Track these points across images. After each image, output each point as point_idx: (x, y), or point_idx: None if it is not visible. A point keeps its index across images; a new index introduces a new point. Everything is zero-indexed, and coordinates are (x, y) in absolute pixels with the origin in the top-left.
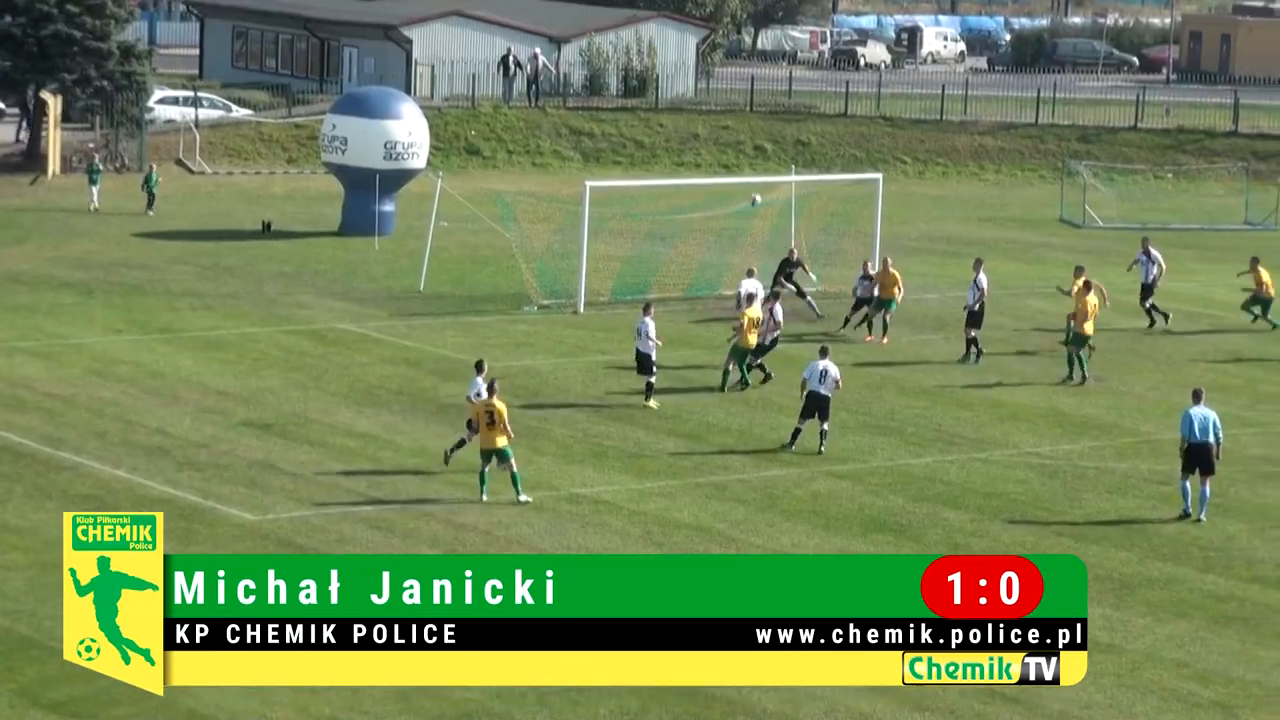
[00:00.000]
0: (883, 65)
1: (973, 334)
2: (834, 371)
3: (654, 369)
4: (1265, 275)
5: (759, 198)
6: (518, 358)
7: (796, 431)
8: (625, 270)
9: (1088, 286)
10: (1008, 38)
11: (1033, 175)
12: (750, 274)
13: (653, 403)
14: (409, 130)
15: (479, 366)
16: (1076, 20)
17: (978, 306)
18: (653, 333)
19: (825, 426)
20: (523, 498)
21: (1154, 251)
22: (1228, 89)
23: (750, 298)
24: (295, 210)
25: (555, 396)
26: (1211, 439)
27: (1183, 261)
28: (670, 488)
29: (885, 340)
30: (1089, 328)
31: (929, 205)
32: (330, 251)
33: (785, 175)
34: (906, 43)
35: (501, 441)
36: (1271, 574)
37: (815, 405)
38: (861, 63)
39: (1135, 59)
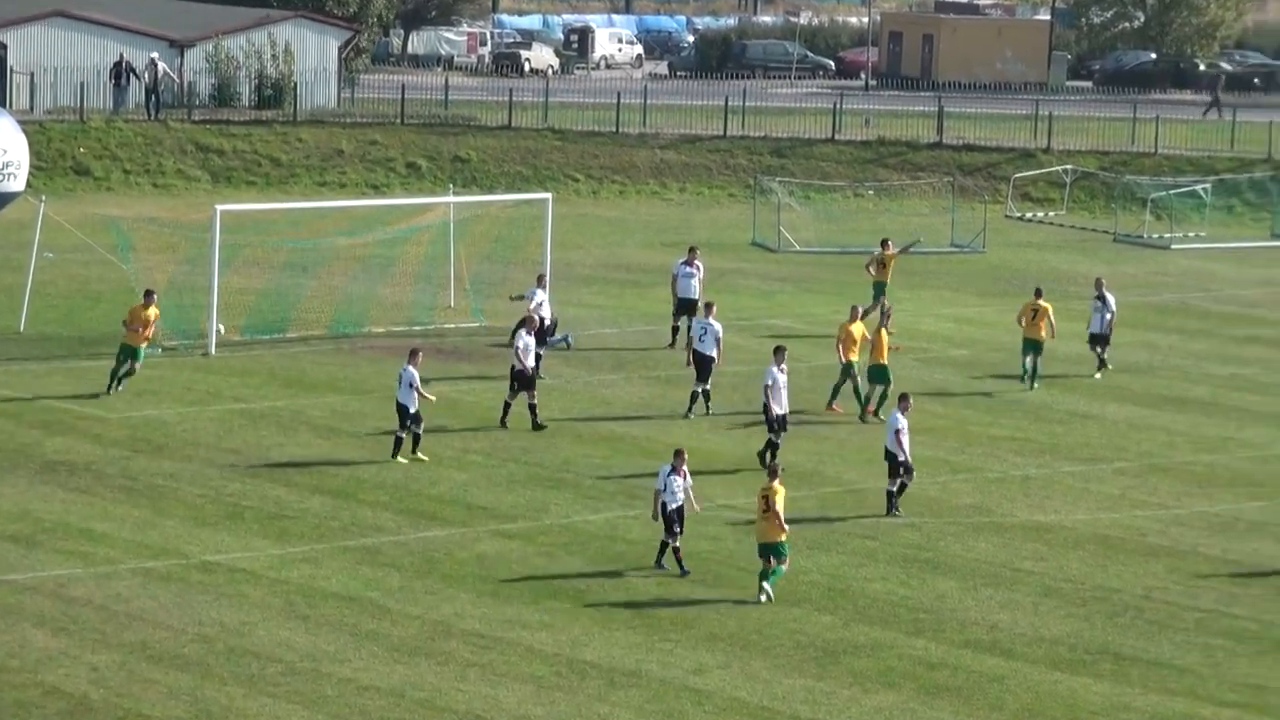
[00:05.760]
0: (550, 71)
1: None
2: (682, 481)
3: (419, 420)
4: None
5: None
6: (139, 407)
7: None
8: (261, 305)
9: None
10: (691, 39)
11: (721, 194)
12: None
13: (421, 454)
14: (4, 148)
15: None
16: (767, 20)
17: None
18: (417, 382)
19: (676, 543)
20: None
21: (1109, 296)
22: (931, 95)
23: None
24: None
25: (184, 450)
26: None
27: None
28: (316, 552)
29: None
30: None
31: (605, 228)
32: None
33: (442, 196)
34: (577, 45)
35: (777, 536)
36: (984, 637)
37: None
38: (526, 68)
39: (831, 63)
